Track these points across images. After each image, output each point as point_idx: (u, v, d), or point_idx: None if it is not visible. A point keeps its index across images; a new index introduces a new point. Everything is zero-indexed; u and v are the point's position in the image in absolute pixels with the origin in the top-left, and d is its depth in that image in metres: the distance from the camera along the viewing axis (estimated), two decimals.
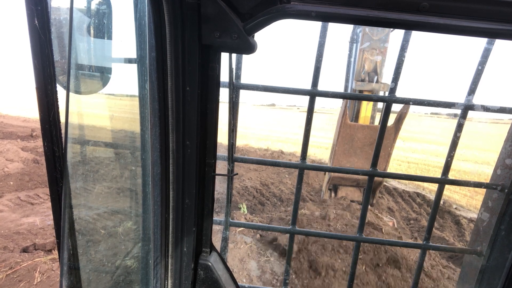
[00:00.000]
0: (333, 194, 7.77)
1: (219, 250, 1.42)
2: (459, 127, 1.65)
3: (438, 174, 1.78)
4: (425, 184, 12.31)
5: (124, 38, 1.14)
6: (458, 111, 1.63)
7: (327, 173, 7.64)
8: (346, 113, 6.27)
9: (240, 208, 7.35)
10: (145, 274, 1.41)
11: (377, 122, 7.07)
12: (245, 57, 1.56)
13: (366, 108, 6.93)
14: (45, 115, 0.82)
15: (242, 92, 1.61)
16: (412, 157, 18.51)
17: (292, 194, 9.73)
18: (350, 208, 6.68)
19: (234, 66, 1.48)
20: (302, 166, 1.74)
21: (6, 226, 5.56)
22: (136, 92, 1.21)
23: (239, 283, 1.46)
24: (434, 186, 12.17)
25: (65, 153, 0.91)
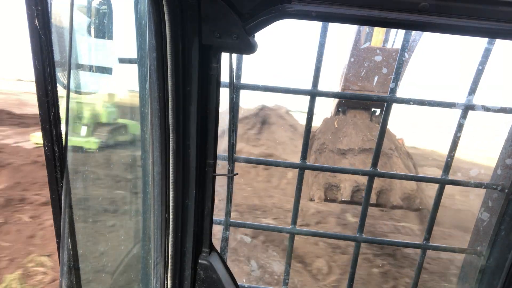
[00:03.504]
0: (341, 115, 8.27)
1: (219, 250, 1.42)
2: (459, 127, 1.65)
3: None
4: None
5: (125, 38, 1.14)
6: None
7: (334, 99, 7.91)
8: (362, 37, 6.71)
9: None
10: (145, 274, 1.41)
11: (390, 45, 7.43)
12: (244, 56, 1.55)
13: (379, 31, 7.19)
14: (45, 115, 0.82)
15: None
16: None
17: None
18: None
19: (234, 66, 1.48)
20: (302, 166, 1.74)
21: None
22: (137, 92, 1.21)
23: (239, 283, 1.46)
24: None
25: (65, 153, 0.91)
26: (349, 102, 7.69)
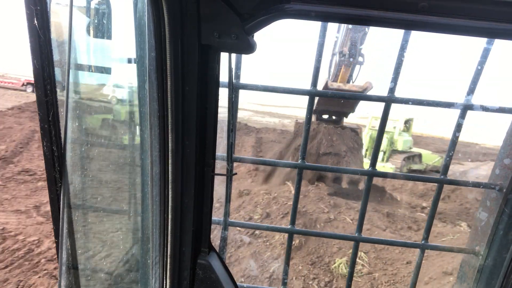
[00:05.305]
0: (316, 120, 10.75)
1: (218, 250, 1.42)
2: (458, 127, 1.65)
3: None
4: None
5: (124, 38, 1.13)
6: None
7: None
8: (328, 79, 9.08)
9: None
10: (143, 274, 1.41)
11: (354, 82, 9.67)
12: (244, 56, 1.55)
13: (344, 72, 9.50)
14: (44, 115, 0.82)
15: None
16: None
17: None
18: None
19: (233, 66, 1.48)
20: (302, 166, 1.74)
21: None
22: (136, 92, 1.20)
23: (238, 283, 1.46)
24: None
25: (64, 153, 0.90)
26: (323, 107, 9.84)
